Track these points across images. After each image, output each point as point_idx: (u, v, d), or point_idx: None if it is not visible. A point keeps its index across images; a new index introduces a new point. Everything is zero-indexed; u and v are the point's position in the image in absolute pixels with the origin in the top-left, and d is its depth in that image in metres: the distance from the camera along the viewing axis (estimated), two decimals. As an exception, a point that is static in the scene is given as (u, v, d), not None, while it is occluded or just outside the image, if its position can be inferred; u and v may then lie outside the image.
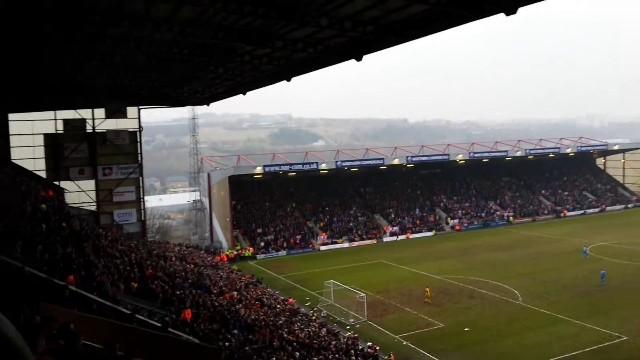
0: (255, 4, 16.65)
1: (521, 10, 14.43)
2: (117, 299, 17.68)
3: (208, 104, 45.55)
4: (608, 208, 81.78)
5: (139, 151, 50.00)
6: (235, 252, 58.74)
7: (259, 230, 64.17)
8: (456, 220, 72.47)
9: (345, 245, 63.43)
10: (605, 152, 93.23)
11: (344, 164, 70.27)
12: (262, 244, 61.95)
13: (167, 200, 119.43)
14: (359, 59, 22.23)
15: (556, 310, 35.16)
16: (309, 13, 17.64)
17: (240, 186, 66.35)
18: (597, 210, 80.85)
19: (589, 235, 61.09)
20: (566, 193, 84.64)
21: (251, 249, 60.44)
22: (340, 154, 75.67)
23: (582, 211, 79.61)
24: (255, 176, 66.49)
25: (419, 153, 76.36)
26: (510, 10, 14.78)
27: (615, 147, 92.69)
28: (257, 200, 69.60)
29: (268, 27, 19.83)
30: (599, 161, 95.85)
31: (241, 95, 37.19)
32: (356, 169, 73.30)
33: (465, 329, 32.56)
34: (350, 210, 71.16)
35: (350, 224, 68.02)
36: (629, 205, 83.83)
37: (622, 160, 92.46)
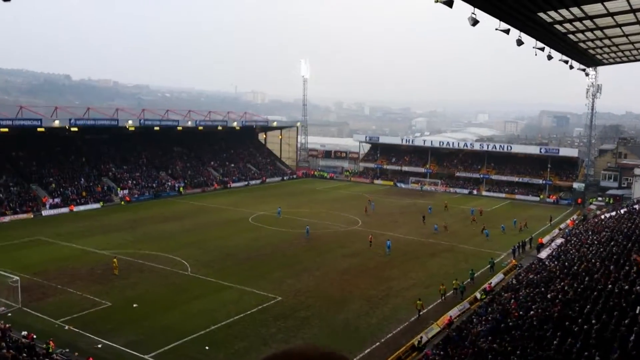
0: None
1: None
2: None
3: None
4: (268, 180, 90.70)
5: None
6: None
7: None
8: (126, 191, 69.89)
9: (-6, 220, 54.57)
10: (266, 128, 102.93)
11: (-12, 123, 59.06)
12: None
13: None
14: None
15: (221, 278, 37.29)
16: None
17: None
18: (259, 181, 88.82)
19: (252, 205, 66.58)
20: (232, 165, 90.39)
21: None
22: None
23: (246, 182, 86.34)
24: None
25: (85, 116, 69.83)
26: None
27: (274, 124, 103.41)
28: None
29: None
30: (261, 136, 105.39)
31: None
32: (6, 130, 61.66)
33: (134, 305, 31.79)
34: (0, 179, 61.48)
35: (0, 195, 58.84)
36: (285, 178, 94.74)
37: (279, 137, 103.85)
